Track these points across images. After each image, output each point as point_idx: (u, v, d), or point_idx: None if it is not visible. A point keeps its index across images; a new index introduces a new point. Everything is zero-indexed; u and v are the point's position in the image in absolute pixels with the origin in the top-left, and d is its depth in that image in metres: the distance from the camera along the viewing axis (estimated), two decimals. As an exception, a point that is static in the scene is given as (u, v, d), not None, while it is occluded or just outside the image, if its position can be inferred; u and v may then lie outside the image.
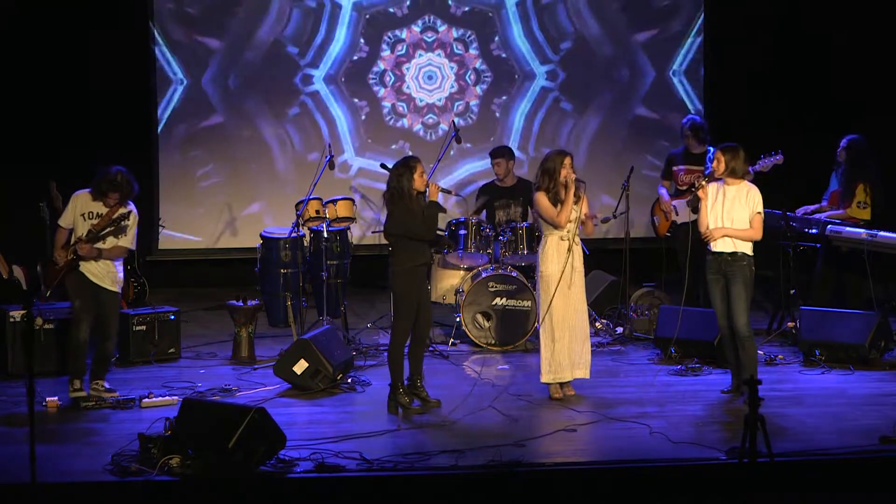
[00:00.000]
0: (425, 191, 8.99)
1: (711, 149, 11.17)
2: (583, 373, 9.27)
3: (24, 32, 13.03)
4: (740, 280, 9.03)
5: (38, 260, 9.64)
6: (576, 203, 9.17)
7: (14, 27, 12.97)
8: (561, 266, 9.14)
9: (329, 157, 11.19)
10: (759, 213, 9.08)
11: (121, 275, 9.34)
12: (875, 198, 10.87)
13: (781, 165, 10.64)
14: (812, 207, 11.12)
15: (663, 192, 11.50)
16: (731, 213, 9.07)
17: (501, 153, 11.60)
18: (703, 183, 9.16)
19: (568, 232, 9.17)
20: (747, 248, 9.08)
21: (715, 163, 9.13)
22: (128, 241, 9.26)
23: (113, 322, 9.36)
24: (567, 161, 9.19)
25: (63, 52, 13.07)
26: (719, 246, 9.06)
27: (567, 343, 9.18)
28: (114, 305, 9.34)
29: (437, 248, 11.22)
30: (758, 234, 9.10)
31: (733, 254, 9.05)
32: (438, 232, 11.36)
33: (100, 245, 9.14)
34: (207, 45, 13.73)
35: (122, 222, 9.16)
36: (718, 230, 9.06)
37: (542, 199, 9.19)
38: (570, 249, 9.15)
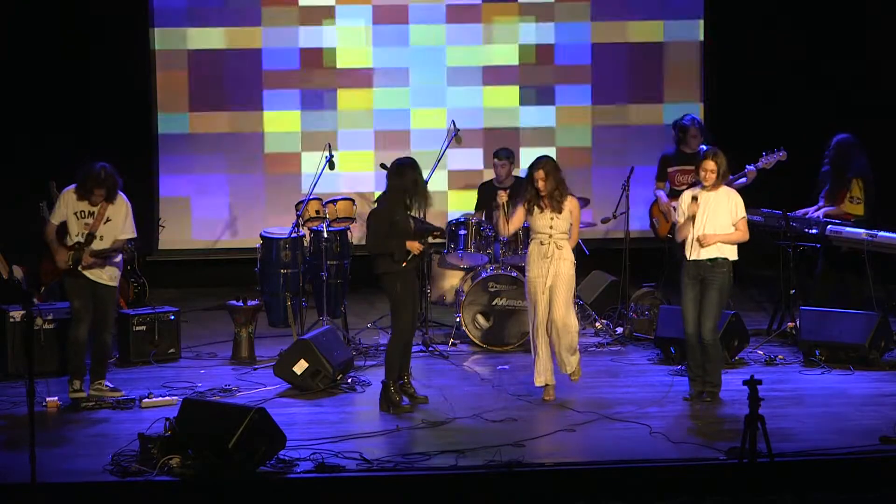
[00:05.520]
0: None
1: (703, 147, 11.13)
2: (567, 372, 9.24)
3: (24, 31, 13.01)
4: (717, 286, 8.91)
5: (38, 259, 9.64)
6: (556, 213, 9.07)
7: (13, 26, 12.96)
8: (539, 271, 9.12)
9: (329, 156, 11.18)
10: (744, 216, 9.00)
11: (119, 269, 9.34)
12: (868, 193, 10.86)
13: (784, 162, 10.68)
14: (811, 209, 11.08)
15: (661, 194, 11.47)
16: (716, 218, 8.95)
17: (507, 155, 11.60)
18: (697, 196, 8.97)
19: (550, 238, 9.13)
20: (731, 254, 8.99)
21: (707, 172, 8.92)
22: (127, 231, 9.29)
23: (110, 315, 9.37)
24: (536, 174, 9.06)
25: (63, 50, 13.05)
26: (705, 253, 8.93)
27: (548, 348, 9.16)
28: (111, 299, 9.35)
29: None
30: (746, 236, 9.02)
31: (714, 259, 8.94)
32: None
33: (100, 245, 9.15)
34: (208, 42, 13.70)
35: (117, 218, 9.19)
36: (711, 237, 8.93)
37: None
38: (547, 256, 9.11)
